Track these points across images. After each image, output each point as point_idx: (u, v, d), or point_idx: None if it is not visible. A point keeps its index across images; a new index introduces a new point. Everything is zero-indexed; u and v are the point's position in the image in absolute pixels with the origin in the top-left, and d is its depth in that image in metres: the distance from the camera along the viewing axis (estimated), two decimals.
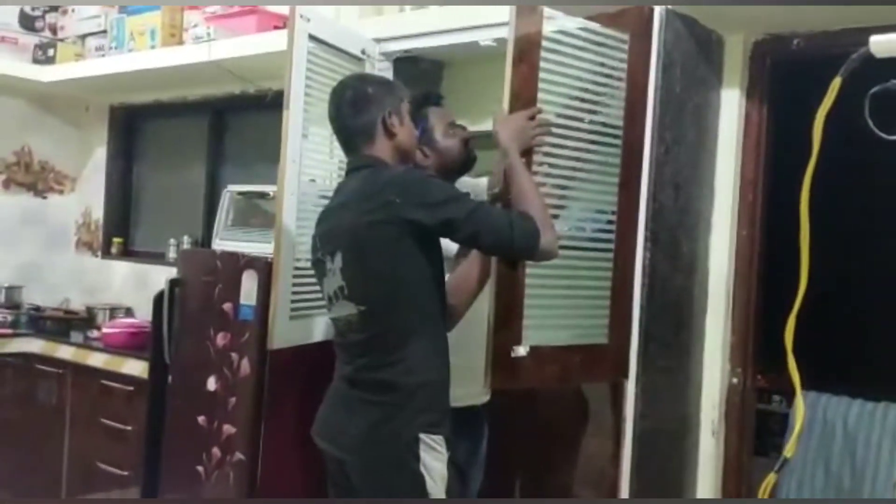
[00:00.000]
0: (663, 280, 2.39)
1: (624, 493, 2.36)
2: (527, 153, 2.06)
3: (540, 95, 2.14)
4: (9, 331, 4.06)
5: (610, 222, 2.31)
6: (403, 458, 1.81)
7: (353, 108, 2.00)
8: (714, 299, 2.57)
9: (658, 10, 2.30)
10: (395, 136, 2.01)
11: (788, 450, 2.30)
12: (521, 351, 2.10)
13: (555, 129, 2.15)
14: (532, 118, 2.06)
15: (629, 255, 2.33)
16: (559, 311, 2.23)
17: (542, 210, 1.92)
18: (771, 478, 2.38)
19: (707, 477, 2.59)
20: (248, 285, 2.95)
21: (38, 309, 4.31)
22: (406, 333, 1.87)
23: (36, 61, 4.33)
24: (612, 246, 2.31)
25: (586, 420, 2.46)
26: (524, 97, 2.11)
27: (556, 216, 2.14)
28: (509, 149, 1.98)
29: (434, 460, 1.81)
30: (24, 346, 4.01)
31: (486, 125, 2.18)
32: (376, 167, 1.97)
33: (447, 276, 2.01)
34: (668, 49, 2.32)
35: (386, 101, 2.01)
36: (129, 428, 3.52)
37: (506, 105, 2.09)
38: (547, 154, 2.14)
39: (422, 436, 1.81)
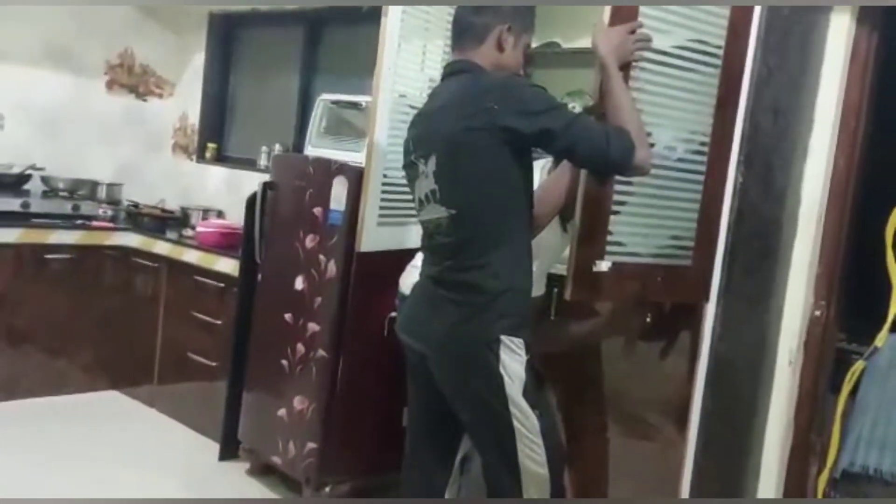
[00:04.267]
0: (753, 205, 2.37)
1: (695, 414, 2.40)
2: (625, 67, 2.05)
3: (641, 9, 2.10)
4: (109, 225, 4.28)
5: (703, 144, 2.29)
6: (484, 356, 1.87)
7: (478, 7, 2.02)
8: (804, 228, 2.53)
9: None
10: (503, 51, 2.01)
11: (880, 339, 2.30)
12: (603, 266, 2.13)
13: (654, 45, 2.12)
14: (632, 32, 2.03)
15: (720, 178, 2.31)
16: (644, 230, 2.23)
17: (638, 125, 1.92)
18: (859, 365, 2.39)
19: (780, 407, 2.60)
20: (339, 191, 3.04)
21: (136, 206, 4.52)
22: (494, 239, 1.91)
23: None
24: (703, 168, 2.29)
25: (665, 338, 2.48)
26: (625, 11, 2.08)
27: (648, 133, 2.14)
28: (608, 62, 1.96)
29: (513, 362, 1.87)
30: (123, 240, 4.22)
31: (583, 42, 2.17)
32: (475, 73, 1.98)
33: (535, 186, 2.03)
34: None
35: (512, 18, 2.01)
36: (219, 322, 3.69)
37: (606, 17, 2.07)
38: (644, 70, 2.12)
39: (503, 337, 1.87)
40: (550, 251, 2.40)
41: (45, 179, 4.32)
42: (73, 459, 3.41)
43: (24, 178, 4.23)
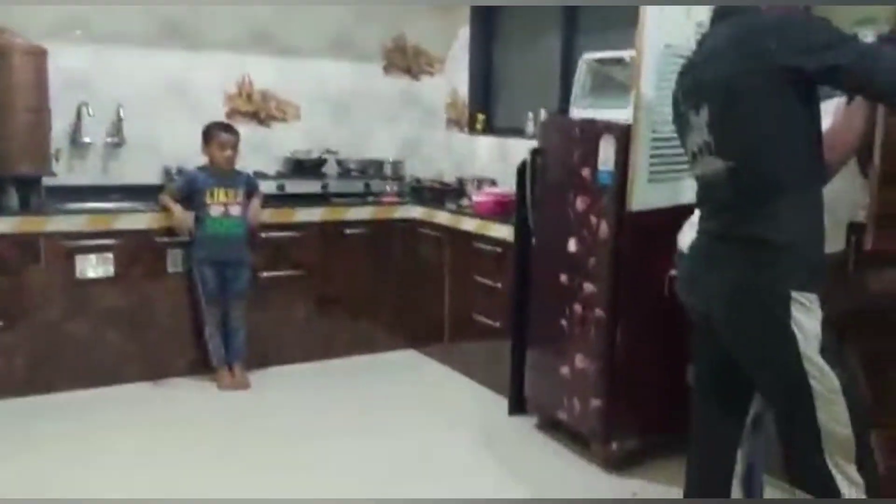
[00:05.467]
0: None
1: None
2: None
3: None
4: (396, 199, 4.66)
5: None
6: (775, 314, 1.78)
7: None
8: None
9: None
10: None
11: None
12: None
13: None
14: None
15: None
16: None
17: None
18: None
19: None
20: (606, 150, 3.04)
21: (418, 180, 4.87)
22: (779, 189, 1.80)
23: None
24: None
25: None
26: None
27: None
28: None
29: (808, 318, 1.76)
30: (409, 213, 4.57)
31: None
32: (747, 12, 1.87)
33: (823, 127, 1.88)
34: None
35: None
36: (499, 285, 3.87)
37: None
38: None
39: (794, 293, 1.77)
40: (848, 200, 2.21)
41: (339, 162, 4.79)
42: (379, 409, 3.80)
43: (321, 161, 4.72)
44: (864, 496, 1.77)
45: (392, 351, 4.62)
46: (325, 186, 4.61)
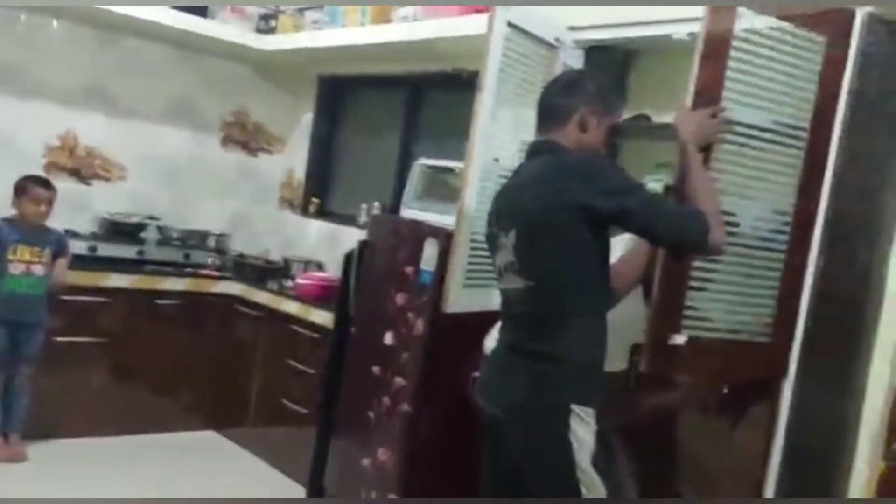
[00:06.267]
0: (834, 285, 2.37)
1: (769, 491, 2.38)
2: (706, 150, 2.12)
3: (725, 94, 2.17)
4: (216, 273, 4.56)
5: (787, 224, 2.32)
6: (555, 424, 1.94)
7: (566, 88, 2.14)
8: (888, 309, 2.49)
9: (860, 14, 2.26)
10: (586, 131, 2.10)
11: None
12: (680, 340, 2.17)
13: (738, 129, 2.18)
14: (714, 116, 2.11)
15: (802, 258, 2.33)
16: (723, 305, 2.27)
17: (714, 207, 1.99)
18: None
19: (860, 482, 2.54)
20: (430, 252, 3.18)
21: (242, 256, 4.80)
22: (569, 312, 1.99)
23: (259, 31, 4.74)
24: (784, 247, 2.32)
25: (741, 412, 2.48)
26: (708, 94, 2.16)
27: (732, 214, 2.19)
28: (688, 144, 2.04)
29: (583, 430, 1.93)
30: (228, 289, 4.49)
31: (670, 117, 2.25)
32: (557, 152, 2.09)
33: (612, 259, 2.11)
34: (867, 54, 2.27)
35: (596, 101, 2.11)
36: (312, 371, 3.87)
37: (689, 101, 2.15)
38: (726, 152, 2.18)
39: (574, 406, 1.94)
40: (634, 322, 2.44)
41: (160, 228, 4.65)
42: (171, 494, 3.62)
43: (141, 226, 4.57)
44: None
45: (191, 431, 4.44)
46: (141, 252, 4.44)
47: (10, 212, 3.77)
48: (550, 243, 2.00)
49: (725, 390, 2.52)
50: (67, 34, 4.38)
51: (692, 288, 2.20)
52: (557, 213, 1.97)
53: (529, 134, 2.50)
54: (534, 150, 2.17)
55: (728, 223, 2.17)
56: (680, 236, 1.94)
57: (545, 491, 2.02)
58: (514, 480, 2.11)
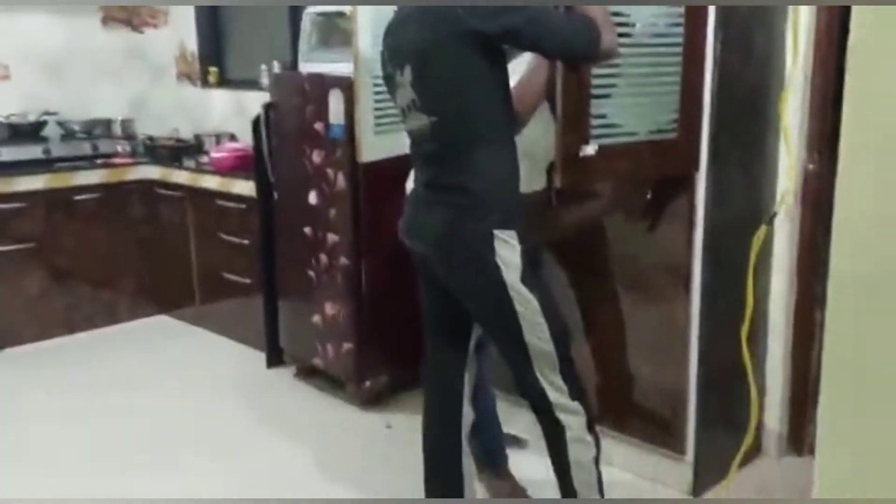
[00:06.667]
0: (735, 72, 2.40)
1: (696, 277, 2.52)
2: None
3: None
4: (129, 160, 4.43)
5: (681, 16, 2.31)
6: (479, 251, 1.99)
7: None
8: (790, 89, 2.55)
9: None
10: None
11: None
12: (590, 150, 2.20)
13: None
14: None
15: (699, 49, 2.34)
16: (628, 109, 2.29)
17: (603, 11, 1.96)
18: None
19: (781, 260, 2.70)
20: (336, 105, 3.12)
21: (151, 139, 4.64)
22: (475, 141, 1.99)
23: None
24: (681, 40, 2.32)
25: (664, 211, 2.57)
26: None
27: (627, 14, 2.17)
28: None
29: (508, 252, 1.99)
30: (145, 173, 4.39)
31: None
32: None
33: (512, 83, 2.09)
34: None
35: None
36: (246, 241, 3.87)
37: None
38: None
39: (495, 231, 1.98)
40: (546, 144, 2.46)
41: (61, 124, 4.45)
42: (133, 381, 3.69)
43: (40, 124, 4.37)
44: (568, 400, 2.05)
45: (141, 319, 4.47)
46: (47, 151, 4.26)
47: None
48: (446, 74, 1.97)
49: (649, 196, 2.60)
50: None
51: (595, 96, 2.21)
52: (447, 42, 1.93)
53: None
54: None
55: (622, 24, 2.16)
56: (571, 47, 1.92)
57: (483, 314, 2.11)
58: (453, 310, 2.19)
